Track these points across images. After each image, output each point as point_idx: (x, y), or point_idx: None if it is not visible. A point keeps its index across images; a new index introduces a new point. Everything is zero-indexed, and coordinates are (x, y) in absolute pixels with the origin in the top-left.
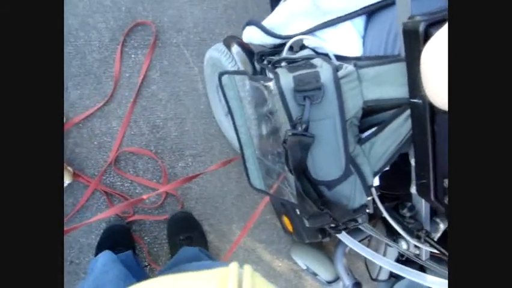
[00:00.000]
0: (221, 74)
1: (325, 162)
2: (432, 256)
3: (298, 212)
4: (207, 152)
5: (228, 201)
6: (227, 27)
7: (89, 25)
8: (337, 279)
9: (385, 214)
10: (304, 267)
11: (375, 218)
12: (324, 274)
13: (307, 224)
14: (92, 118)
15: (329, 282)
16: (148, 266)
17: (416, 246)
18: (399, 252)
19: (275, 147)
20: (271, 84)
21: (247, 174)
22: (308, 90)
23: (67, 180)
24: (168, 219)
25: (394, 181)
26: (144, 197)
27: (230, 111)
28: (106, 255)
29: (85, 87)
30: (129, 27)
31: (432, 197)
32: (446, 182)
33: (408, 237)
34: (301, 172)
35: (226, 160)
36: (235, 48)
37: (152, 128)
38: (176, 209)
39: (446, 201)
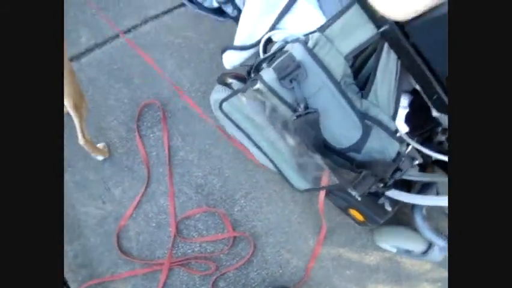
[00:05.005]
0: (220, 105)
1: (340, 128)
2: None
3: (349, 190)
4: (255, 187)
5: (294, 222)
6: (219, 71)
7: (104, 128)
8: (430, 245)
9: (416, 145)
10: (395, 250)
11: (428, 165)
12: (416, 246)
13: (357, 196)
14: (141, 205)
15: (425, 253)
16: None
17: None
18: None
19: (293, 139)
20: (259, 85)
21: (289, 182)
22: (290, 73)
23: None
24: None
25: (419, 119)
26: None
27: (245, 133)
28: None
29: (123, 182)
30: (137, 113)
31: None
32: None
33: None
34: (323, 147)
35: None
36: (230, 80)
37: (197, 188)
38: (249, 249)
39: None
